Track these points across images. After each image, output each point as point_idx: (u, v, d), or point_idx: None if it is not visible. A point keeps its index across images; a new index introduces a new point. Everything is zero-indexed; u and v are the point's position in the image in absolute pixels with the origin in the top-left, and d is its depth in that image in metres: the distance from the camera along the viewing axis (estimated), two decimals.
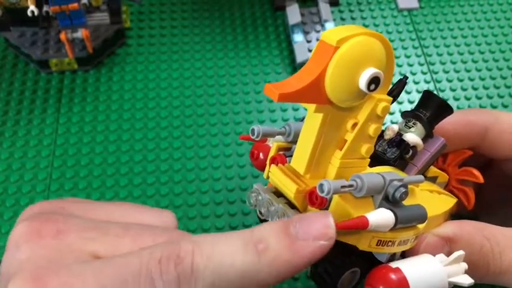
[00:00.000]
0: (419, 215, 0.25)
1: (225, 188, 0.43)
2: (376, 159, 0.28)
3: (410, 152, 0.28)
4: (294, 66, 0.52)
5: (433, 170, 0.31)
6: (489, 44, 0.54)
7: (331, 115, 0.24)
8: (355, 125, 0.24)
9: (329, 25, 0.52)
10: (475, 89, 0.51)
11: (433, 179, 0.31)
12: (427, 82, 0.51)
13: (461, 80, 0.51)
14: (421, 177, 0.26)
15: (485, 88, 0.51)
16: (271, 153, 0.28)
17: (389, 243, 0.24)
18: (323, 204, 0.24)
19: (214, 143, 0.46)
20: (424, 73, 0.52)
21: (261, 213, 0.27)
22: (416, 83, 0.51)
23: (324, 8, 0.54)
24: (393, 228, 0.24)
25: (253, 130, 0.27)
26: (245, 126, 0.47)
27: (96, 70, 0.51)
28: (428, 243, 0.27)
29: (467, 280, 0.25)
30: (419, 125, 0.28)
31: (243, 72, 0.51)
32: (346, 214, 0.24)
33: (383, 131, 0.29)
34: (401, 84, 0.28)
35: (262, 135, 0.27)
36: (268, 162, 0.28)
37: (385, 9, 0.57)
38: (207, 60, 0.52)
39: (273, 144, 0.29)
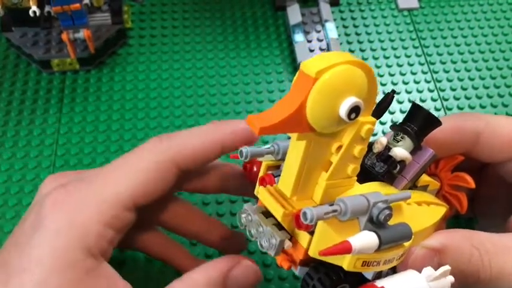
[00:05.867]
0: (404, 235, 0.25)
1: None
2: (365, 173, 0.28)
3: (398, 167, 0.28)
4: (295, 66, 0.52)
5: (424, 179, 0.31)
6: (489, 43, 0.54)
7: (314, 141, 0.24)
8: (339, 147, 0.24)
9: (329, 25, 0.53)
10: (475, 88, 0.51)
11: (424, 188, 0.31)
12: (427, 82, 0.51)
13: (461, 80, 0.52)
14: (407, 194, 0.26)
15: (486, 87, 0.51)
16: (260, 174, 0.29)
17: (375, 263, 0.24)
18: (309, 228, 0.25)
19: None
20: (424, 73, 0.52)
21: (251, 233, 0.28)
22: (416, 82, 0.51)
23: (325, 8, 0.54)
24: (378, 250, 0.24)
25: (241, 152, 0.27)
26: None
27: (98, 70, 0.51)
28: (417, 256, 0.27)
29: None
30: (407, 138, 0.28)
31: (244, 72, 0.52)
32: (330, 238, 0.24)
33: (372, 143, 0.29)
34: (389, 98, 0.28)
35: (251, 156, 0.27)
36: (257, 181, 0.28)
37: (386, 9, 0.57)
38: (208, 60, 0.53)
39: (262, 163, 0.29)
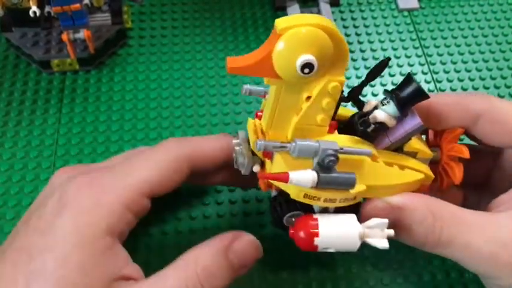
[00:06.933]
0: (346, 182, 0.28)
1: (227, 188, 0.44)
2: (351, 129, 0.32)
3: (372, 126, 0.31)
4: None
5: (413, 146, 0.33)
6: (489, 44, 0.54)
7: (284, 86, 0.28)
8: (309, 97, 0.28)
9: None
10: (475, 88, 0.51)
11: (411, 154, 0.33)
12: (427, 82, 0.51)
13: (461, 80, 0.52)
14: (368, 151, 0.29)
15: (486, 88, 0.51)
16: (260, 109, 0.33)
17: (315, 198, 0.29)
18: (270, 157, 0.30)
19: None
20: (424, 73, 0.52)
21: (235, 151, 0.33)
22: None
23: (325, 9, 0.54)
24: (317, 187, 0.28)
25: (242, 88, 0.32)
26: (246, 126, 0.48)
27: (98, 70, 0.51)
28: (376, 207, 0.31)
29: (383, 244, 0.29)
30: (391, 104, 0.30)
31: None
32: (281, 169, 0.29)
33: (364, 103, 0.32)
34: (382, 64, 0.31)
35: (250, 93, 0.32)
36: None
37: (386, 9, 0.57)
38: (208, 60, 0.53)
39: (262, 103, 0.33)
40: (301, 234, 0.29)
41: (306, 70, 0.26)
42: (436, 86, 0.51)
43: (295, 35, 0.25)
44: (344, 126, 0.32)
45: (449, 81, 0.52)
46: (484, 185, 0.38)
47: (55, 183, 0.33)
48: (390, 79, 0.52)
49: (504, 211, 0.31)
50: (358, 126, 0.31)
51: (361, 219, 0.30)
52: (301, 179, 0.28)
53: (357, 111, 0.33)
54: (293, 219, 0.32)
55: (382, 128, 0.31)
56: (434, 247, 0.31)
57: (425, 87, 0.51)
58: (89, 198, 0.30)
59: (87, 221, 0.29)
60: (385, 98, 0.31)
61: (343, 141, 0.30)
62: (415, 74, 0.52)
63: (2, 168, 0.44)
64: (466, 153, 0.33)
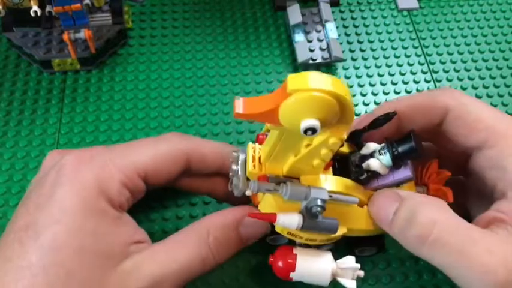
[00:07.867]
0: (329, 228, 0.31)
1: None
2: (346, 164, 0.33)
3: (365, 175, 0.33)
4: (295, 66, 0.52)
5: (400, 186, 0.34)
6: (489, 43, 0.55)
7: (286, 132, 0.28)
8: (309, 145, 0.29)
9: (330, 25, 0.53)
10: (474, 88, 0.51)
11: None
12: (427, 82, 0.52)
13: (461, 80, 0.52)
14: (355, 199, 0.31)
15: (485, 87, 0.51)
16: (261, 132, 0.34)
17: (298, 237, 0.31)
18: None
19: None
20: (424, 72, 0.52)
21: (232, 169, 0.33)
22: (416, 82, 0.52)
23: (325, 8, 0.54)
24: (300, 230, 0.30)
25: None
26: (247, 125, 0.48)
27: (99, 70, 0.51)
28: (385, 192, 0.32)
29: (351, 285, 0.32)
30: (388, 156, 0.32)
31: (244, 72, 0.52)
32: (271, 206, 0.31)
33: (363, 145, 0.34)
34: (387, 118, 0.33)
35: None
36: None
37: (385, 9, 0.58)
38: (208, 60, 0.53)
39: (266, 125, 0.33)
40: (280, 264, 0.32)
41: (309, 132, 0.26)
42: (435, 85, 0.51)
43: (304, 99, 0.25)
44: (340, 159, 0.34)
45: (449, 80, 0.52)
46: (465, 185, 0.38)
47: (47, 166, 0.33)
48: (390, 78, 0.52)
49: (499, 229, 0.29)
50: (353, 172, 0.33)
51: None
52: (287, 222, 0.30)
53: (354, 148, 0.35)
54: (275, 242, 0.35)
55: (374, 175, 0.33)
56: (422, 245, 0.29)
57: (424, 86, 0.51)
58: (90, 171, 0.31)
59: (91, 194, 0.30)
60: (382, 148, 0.32)
61: (335, 184, 0.32)
62: (415, 73, 0.52)
63: (3, 167, 0.45)
64: (450, 198, 0.33)
